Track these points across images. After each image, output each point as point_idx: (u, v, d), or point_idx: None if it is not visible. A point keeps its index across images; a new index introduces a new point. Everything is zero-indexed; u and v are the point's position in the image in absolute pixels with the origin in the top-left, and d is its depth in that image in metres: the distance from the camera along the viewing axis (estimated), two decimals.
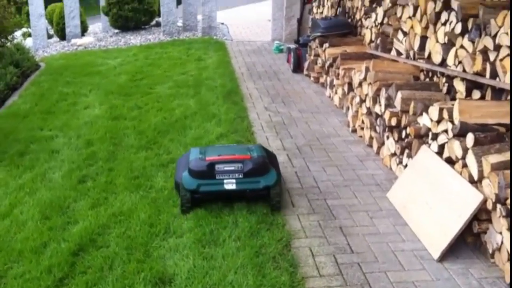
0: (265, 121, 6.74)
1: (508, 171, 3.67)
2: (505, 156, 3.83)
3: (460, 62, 4.98)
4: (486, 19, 4.61)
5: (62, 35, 13.23)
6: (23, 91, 8.47)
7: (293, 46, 9.35)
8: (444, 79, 5.31)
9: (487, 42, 4.54)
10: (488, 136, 4.10)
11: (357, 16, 8.23)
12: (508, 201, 3.61)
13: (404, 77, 5.81)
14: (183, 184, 4.49)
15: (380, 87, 5.61)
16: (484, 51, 4.59)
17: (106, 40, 12.48)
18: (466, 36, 4.88)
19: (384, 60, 6.30)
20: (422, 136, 4.83)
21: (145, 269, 3.77)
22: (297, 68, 9.05)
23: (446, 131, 4.44)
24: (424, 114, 4.77)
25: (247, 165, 4.52)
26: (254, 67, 9.49)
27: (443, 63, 5.28)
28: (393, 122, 5.26)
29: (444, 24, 5.24)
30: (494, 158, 3.83)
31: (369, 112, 5.93)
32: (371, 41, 7.37)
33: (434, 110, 4.59)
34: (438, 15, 5.35)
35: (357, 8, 8.25)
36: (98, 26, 14.42)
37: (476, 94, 4.78)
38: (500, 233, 3.71)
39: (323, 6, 9.93)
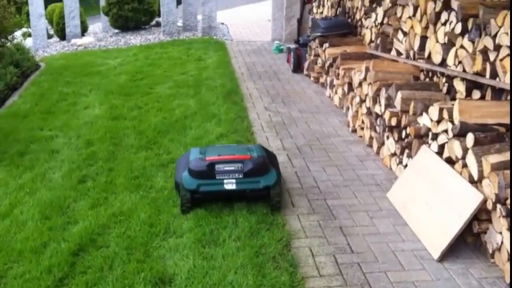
0: (265, 121, 6.74)
1: (508, 171, 3.67)
2: (505, 156, 3.83)
3: (460, 62, 4.97)
4: (486, 19, 4.60)
5: (62, 35, 13.23)
6: (23, 91, 8.47)
7: (293, 46, 9.34)
8: (444, 79, 5.31)
9: (487, 42, 4.54)
10: (488, 136, 4.10)
11: (357, 16, 8.22)
12: (508, 201, 3.61)
13: (404, 77, 5.81)
14: (183, 184, 4.49)
15: (380, 87, 5.61)
16: (484, 51, 4.59)
17: (106, 40, 12.48)
18: (466, 36, 4.88)
19: (384, 60, 6.30)
20: (422, 136, 4.82)
21: (145, 269, 3.77)
22: (297, 68, 9.05)
23: (446, 131, 4.44)
24: (424, 114, 4.77)
25: (247, 165, 4.52)
26: (254, 67, 9.49)
27: (443, 63, 5.28)
28: (393, 122, 5.26)
29: (444, 24, 5.24)
30: (494, 158, 3.83)
31: (369, 112, 5.93)
32: (371, 41, 7.36)
33: (434, 110, 4.59)
34: (438, 15, 5.35)
35: (357, 8, 8.25)
36: (98, 26, 14.42)
37: (476, 94, 4.78)
38: (500, 233, 3.71)
39: (323, 6, 9.92)
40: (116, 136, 6.29)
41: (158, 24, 13.53)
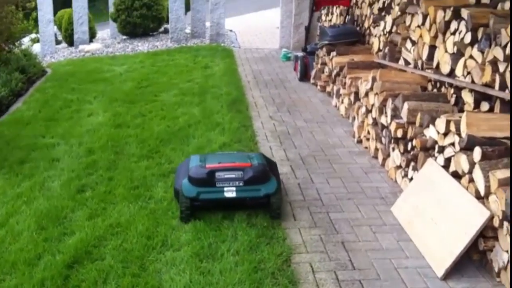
0: (269, 131, 6.63)
1: None
2: None
3: (468, 73, 4.85)
4: (497, 28, 4.49)
5: (70, 41, 13.21)
6: (28, 98, 8.42)
7: (300, 54, 9.24)
8: (452, 90, 5.18)
9: (497, 52, 4.41)
10: (496, 150, 3.96)
11: (366, 24, 8.11)
12: None
13: (412, 87, 5.68)
14: (183, 191, 4.42)
15: (387, 97, 5.49)
16: (494, 62, 4.46)
17: (114, 47, 12.45)
18: (476, 46, 4.75)
19: (392, 70, 6.19)
20: (428, 149, 4.69)
21: (140, 284, 3.68)
22: (304, 76, 8.93)
23: (453, 144, 4.31)
24: (430, 126, 4.64)
25: (247, 173, 4.46)
26: (261, 75, 9.39)
27: (451, 73, 5.15)
28: (399, 133, 5.13)
29: (454, 33, 5.12)
30: (502, 174, 3.69)
31: (375, 123, 5.80)
32: (379, 49, 7.25)
33: (441, 122, 4.46)
34: (447, 24, 5.24)
35: (365, 16, 8.14)
36: (107, 32, 14.41)
37: (485, 106, 4.65)
38: (507, 251, 3.56)
39: (332, 13, 9.83)
40: (118, 145, 6.21)
41: (166, 31, 13.48)
